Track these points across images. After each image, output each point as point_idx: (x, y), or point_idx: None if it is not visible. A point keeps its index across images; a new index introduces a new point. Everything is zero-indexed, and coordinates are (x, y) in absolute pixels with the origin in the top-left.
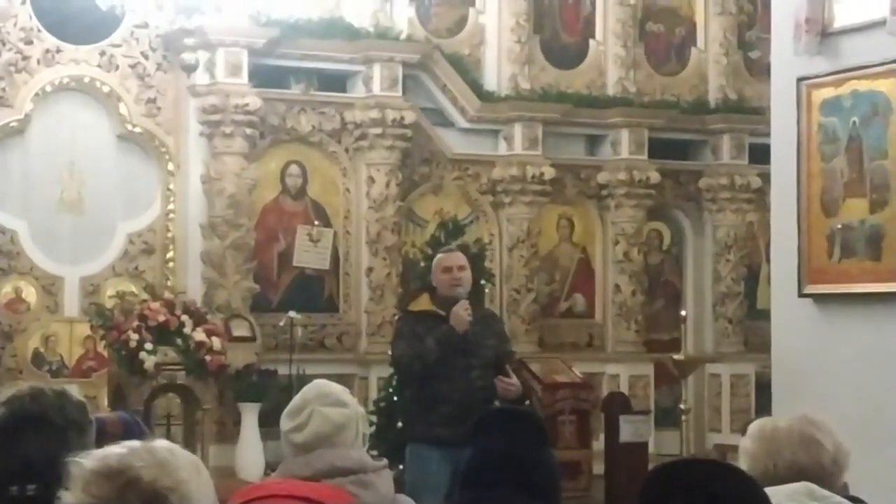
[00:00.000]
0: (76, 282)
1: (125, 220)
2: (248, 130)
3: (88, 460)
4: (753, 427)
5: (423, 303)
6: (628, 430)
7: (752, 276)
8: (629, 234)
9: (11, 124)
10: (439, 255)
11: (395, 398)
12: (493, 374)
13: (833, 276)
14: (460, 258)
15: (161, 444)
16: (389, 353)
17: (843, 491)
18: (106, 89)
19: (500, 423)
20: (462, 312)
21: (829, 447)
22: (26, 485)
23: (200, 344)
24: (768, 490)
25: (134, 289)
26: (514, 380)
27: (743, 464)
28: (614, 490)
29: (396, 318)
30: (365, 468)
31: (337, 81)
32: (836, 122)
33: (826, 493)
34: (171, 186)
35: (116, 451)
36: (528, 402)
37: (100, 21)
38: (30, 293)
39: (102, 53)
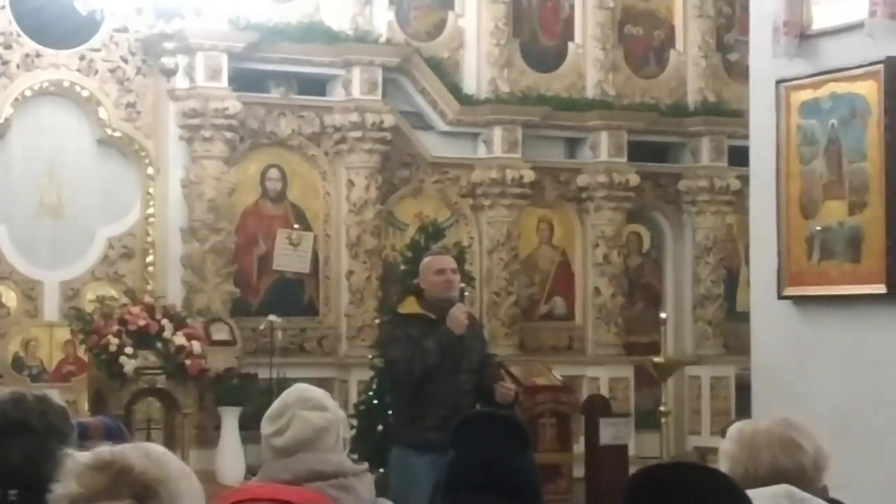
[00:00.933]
0: (56, 286)
1: (105, 224)
2: (228, 134)
3: (82, 454)
4: (733, 430)
5: (411, 305)
6: (608, 432)
7: (732, 279)
8: (609, 236)
9: None
10: (430, 258)
11: (375, 402)
12: (477, 378)
13: (812, 278)
14: (452, 261)
15: (153, 445)
16: (371, 356)
17: (822, 493)
18: (85, 94)
19: (480, 427)
20: (460, 315)
21: (809, 450)
22: (8, 490)
23: (180, 348)
24: (748, 493)
25: (114, 293)
26: (511, 384)
27: (723, 466)
28: (595, 493)
29: (385, 320)
30: (345, 472)
31: (316, 85)
32: (815, 124)
33: (806, 495)
34: (151, 190)
35: (110, 447)
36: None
37: (79, 25)
38: (9, 298)
39: (82, 58)
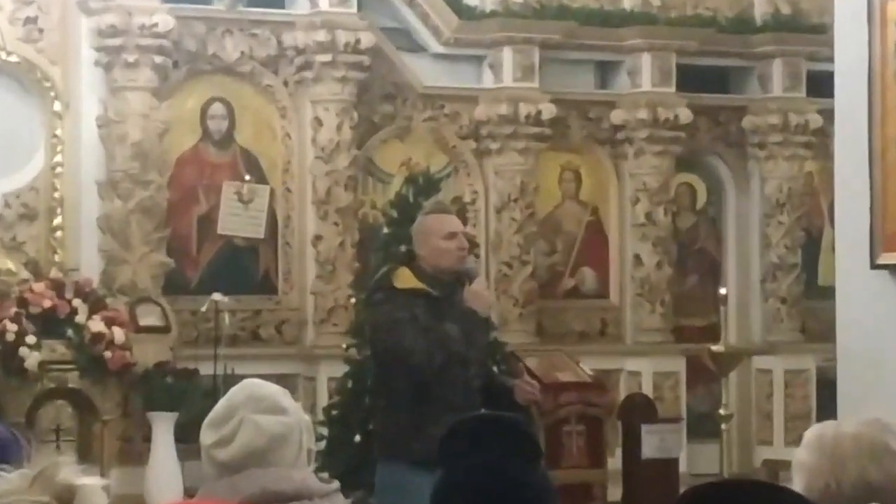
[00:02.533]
0: None
1: None
2: (158, 59)
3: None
4: (811, 434)
5: (408, 279)
6: (653, 442)
7: (812, 244)
8: (653, 189)
9: None
10: (432, 216)
11: (351, 404)
12: (484, 372)
13: None
14: (459, 221)
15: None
16: (346, 346)
17: None
18: None
19: (478, 434)
20: (484, 292)
21: None
22: None
23: (98, 336)
24: None
25: (11, 265)
26: (533, 381)
27: (798, 481)
28: None
29: (380, 298)
30: (310, 493)
31: None
32: None
33: None
34: (58, 132)
35: None
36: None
37: None
38: None
39: None
